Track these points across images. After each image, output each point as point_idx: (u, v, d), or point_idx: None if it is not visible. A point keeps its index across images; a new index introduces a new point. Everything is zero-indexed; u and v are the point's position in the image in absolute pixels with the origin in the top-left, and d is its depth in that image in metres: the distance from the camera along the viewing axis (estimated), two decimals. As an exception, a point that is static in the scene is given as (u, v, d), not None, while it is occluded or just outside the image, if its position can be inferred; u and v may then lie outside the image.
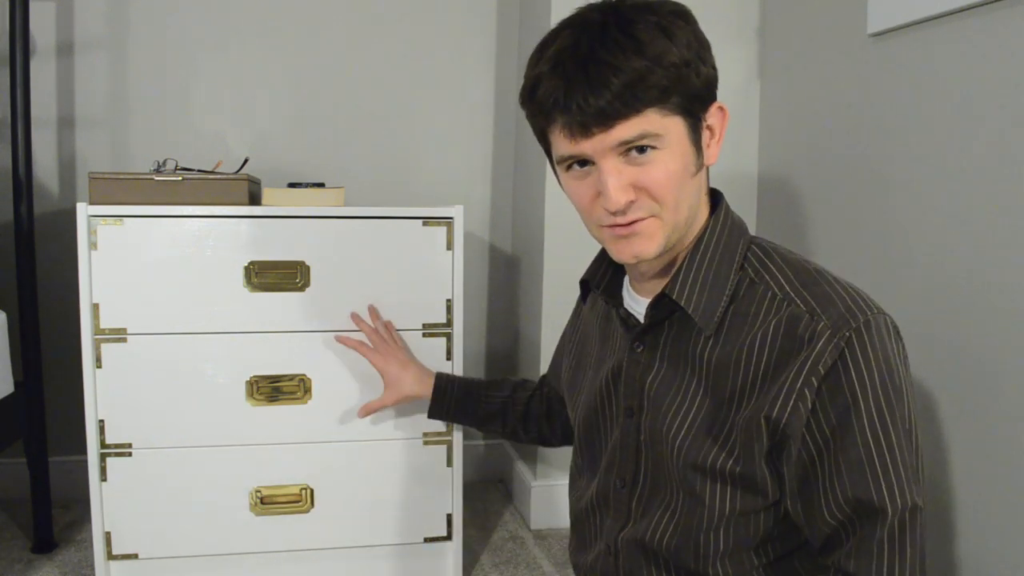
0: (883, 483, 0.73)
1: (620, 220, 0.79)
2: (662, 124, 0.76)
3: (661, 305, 0.84)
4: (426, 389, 1.39)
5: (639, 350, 0.88)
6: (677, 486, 0.84)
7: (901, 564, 0.74)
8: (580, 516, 0.97)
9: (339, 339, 1.48)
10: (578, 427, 0.98)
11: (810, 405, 0.75)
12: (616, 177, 0.76)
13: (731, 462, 0.79)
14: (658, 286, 0.86)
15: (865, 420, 0.74)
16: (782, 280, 0.81)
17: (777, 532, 0.83)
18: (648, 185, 0.77)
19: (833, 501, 0.75)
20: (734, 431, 0.79)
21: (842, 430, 0.74)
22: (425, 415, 1.46)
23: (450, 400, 1.37)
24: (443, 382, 1.38)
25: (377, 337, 1.46)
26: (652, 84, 0.74)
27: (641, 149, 0.76)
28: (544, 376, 1.34)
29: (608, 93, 0.73)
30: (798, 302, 0.78)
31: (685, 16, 0.78)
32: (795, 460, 0.77)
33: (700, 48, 0.78)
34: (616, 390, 0.90)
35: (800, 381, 0.75)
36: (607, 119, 0.74)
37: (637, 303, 0.89)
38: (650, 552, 0.86)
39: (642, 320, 0.87)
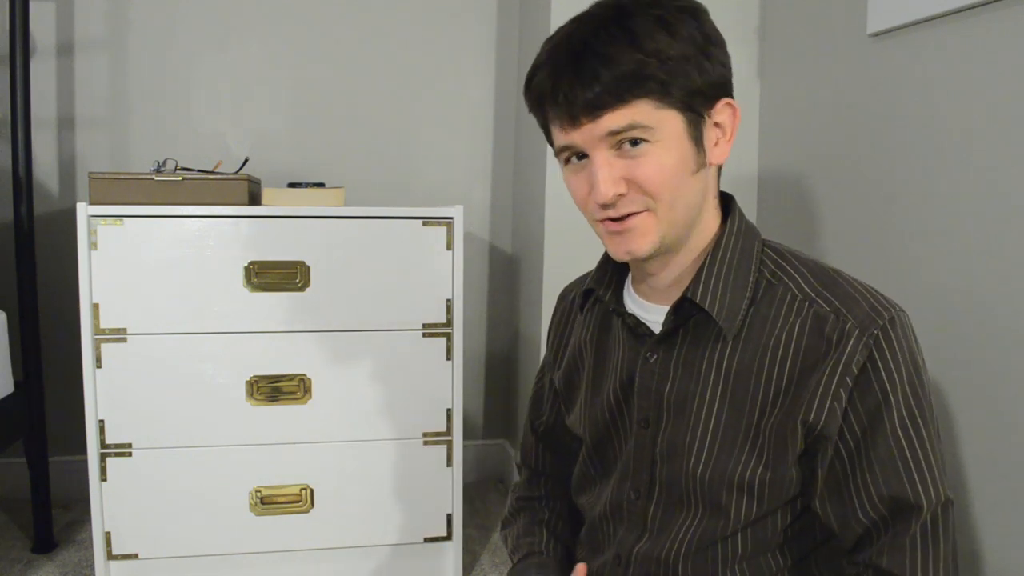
0: (917, 479, 0.74)
1: (611, 214, 0.78)
2: (655, 117, 0.75)
3: (682, 310, 0.83)
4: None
5: (652, 359, 0.86)
6: (698, 497, 0.83)
7: (935, 558, 0.74)
8: (594, 523, 0.96)
9: None
10: (587, 439, 0.96)
11: (844, 405, 0.75)
12: (607, 169, 0.76)
13: (760, 468, 0.79)
14: (672, 292, 0.85)
15: (896, 417, 0.74)
16: (801, 281, 0.81)
17: (792, 533, 0.83)
18: (639, 179, 0.76)
19: (867, 500, 0.75)
20: (762, 436, 0.79)
21: (873, 429, 0.75)
22: (424, 415, 1.45)
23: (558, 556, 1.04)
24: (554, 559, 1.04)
25: None
26: (645, 76, 0.73)
27: (634, 142, 0.75)
28: (540, 480, 1.10)
29: (597, 84, 0.73)
30: (821, 302, 0.78)
31: (692, 12, 0.77)
32: (829, 460, 0.77)
33: (706, 44, 0.77)
34: (628, 401, 0.88)
35: (835, 382, 0.75)
36: (594, 109, 0.74)
37: (647, 311, 0.87)
38: (665, 567, 0.85)
39: (653, 328, 0.86)
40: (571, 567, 0.98)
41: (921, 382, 0.76)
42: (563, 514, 1.06)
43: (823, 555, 0.85)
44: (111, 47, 2.01)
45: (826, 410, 0.75)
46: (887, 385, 0.74)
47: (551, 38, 0.79)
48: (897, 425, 0.74)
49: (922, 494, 0.74)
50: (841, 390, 0.75)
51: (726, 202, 0.88)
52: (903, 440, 0.74)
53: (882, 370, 0.74)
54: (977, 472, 1.18)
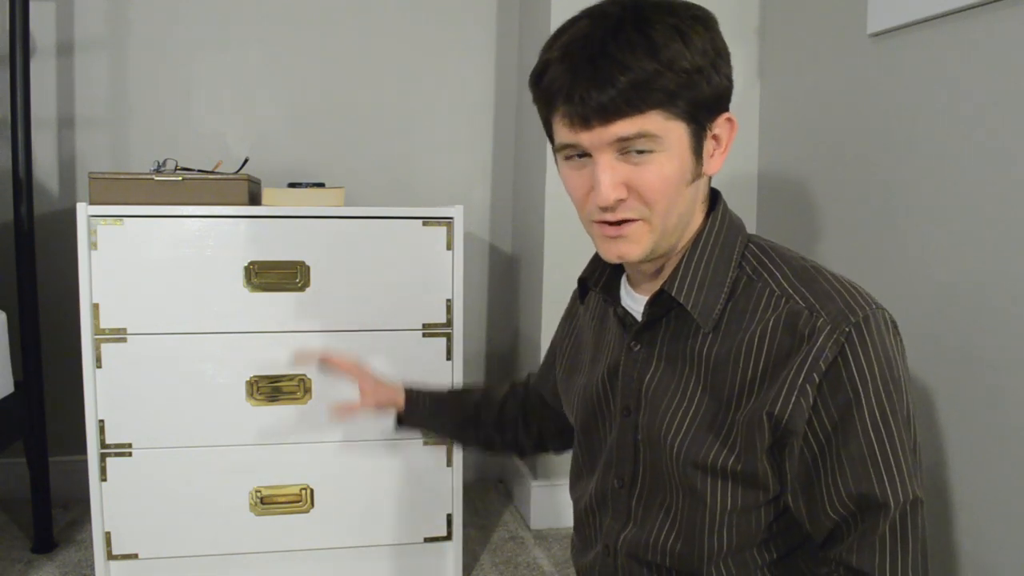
0: (885, 477, 0.74)
1: (609, 217, 0.79)
2: (663, 127, 0.75)
3: (659, 302, 0.84)
4: (398, 397, 1.25)
5: (636, 349, 0.88)
6: (677, 485, 0.84)
7: (903, 556, 0.74)
8: (581, 517, 0.97)
9: (298, 358, 1.39)
10: (577, 427, 0.98)
11: (812, 401, 0.75)
12: (610, 174, 0.76)
13: (732, 459, 0.79)
14: (657, 284, 0.86)
15: (867, 415, 0.74)
16: (780, 277, 0.81)
17: (778, 528, 0.83)
18: (640, 186, 0.77)
19: (836, 496, 0.76)
20: (735, 428, 0.79)
21: (843, 425, 0.75)
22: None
23: (422, 407, 1.25)
24: (414, 391, 1.26)
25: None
26: (659, 87, 0.73)
27: (639, 150, 0.76)
28: (527, 378, 1.27)
29: (612, 90, 0.73)
30: (796, 298, 0.79)
31: (705, 22, 0.77)
32: (797, 456, 0.77)
33: (716, 56, 0.77)
34: (613, 389, 0.90)
35: (802, 377, 0.75)
36: (608, 114, 0.74)
37: (635, 301, 0.89)
38: (650, 555, 0.87)
39: (639, 319, 0.87)
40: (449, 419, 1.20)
41: (895, 381, 0.76)
42: (501, 409, 1.20)
43: (809, 550, 0.85)
44: (111, 47, 2.01)
45: (791, 405, 0.76)
46: (858, 383, 0.74)
47: (563, 32, 0.78)
48: (868, 423, 0.74)
49: (889, 492, 0.74)
50: (808, 386, 0.75)
51: (712, 196, 0.88)
52: (873, 438, 0.74)
53: (853, 368, 0.74)
54: (970, 469, 1.18)
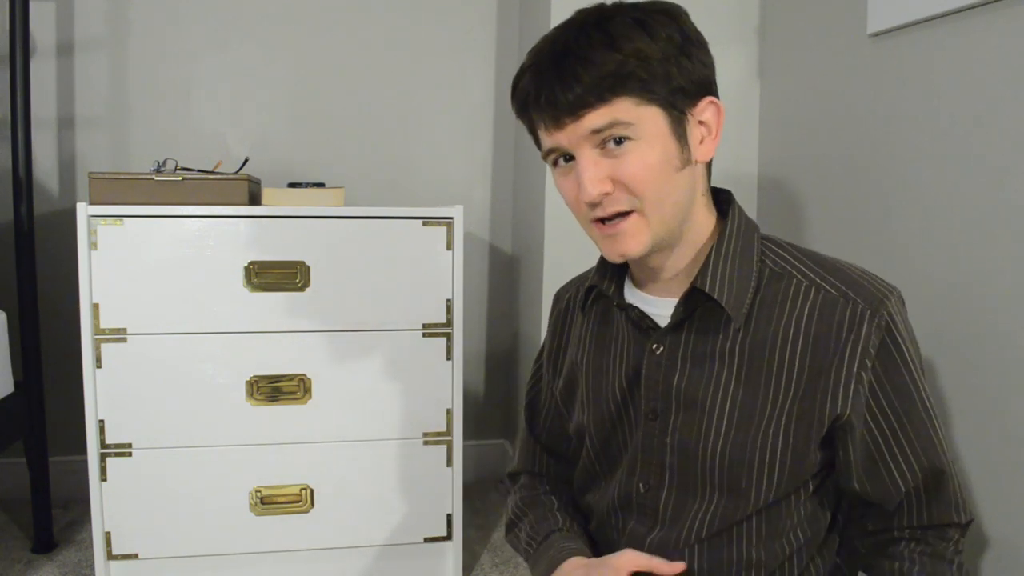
0: (943, 440, 0.83)
1: (599, 213, 0.79)
2: (635, 114, 0.76)
3: (691, 299, 0.84)
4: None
5: (658, 351, 0.87)
6: (715, 484, 0.84)
7: (965, 503, 0.84)
8: (602, 519, 0.96)
9: None
10: (590, 435, 0.96)
11: (867, 386, 0.79)
12: (592, 169, 0.77)
13: (780, 449, 0.81)
14: (673, 286, 0.86)
15: (921, 389, 0.81)
16: (804, 268, 0.84)
17: (805, 513, 0.85)
18: (623, 177, 0.77)
19: (908, 470, 0.82)
20: (782, 422, 0.81)
21: (905, 404, 0.80)
22: (424, 415, 1.45)
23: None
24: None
25: None
26: (623, 75, 0.75)
27: (618, 141, 0.76)
28: (537, 455, 1.09)
29: (577, 86, 0.75)
30: (827, 287, 0.81)
31: (670, 13, 0.79)
32: (859, 441, 0.81)
33: (684, 43, 0.78)
34: (634, 394, 0.89)
35: (856, 365, 0.78)
36: (575, 109, 0.76)
37: (651, 304, 0.89)
38: (680, 554, 0.86)
39: (657, 322, 0.87)
40: (591, 546, 0.96)
41: (919, 351, 0.83)
42: (571, 505, 1.05)
43: (832, 540, 0.89)
44: (111, 47, 2.01)
45: (851, 394, 0.79)
46: (908, 360, 0.80)
47: (536, 45, 0.81)
48: (924, 396, 0.81)
49: (945, 453, 0.82)
50: (862, 372, 0.79)
51: (721, 197, 0.89)
52: (929, 408, 0.81)
53: (902, 346, 0.80)
54: (972, 467, 1.18)
